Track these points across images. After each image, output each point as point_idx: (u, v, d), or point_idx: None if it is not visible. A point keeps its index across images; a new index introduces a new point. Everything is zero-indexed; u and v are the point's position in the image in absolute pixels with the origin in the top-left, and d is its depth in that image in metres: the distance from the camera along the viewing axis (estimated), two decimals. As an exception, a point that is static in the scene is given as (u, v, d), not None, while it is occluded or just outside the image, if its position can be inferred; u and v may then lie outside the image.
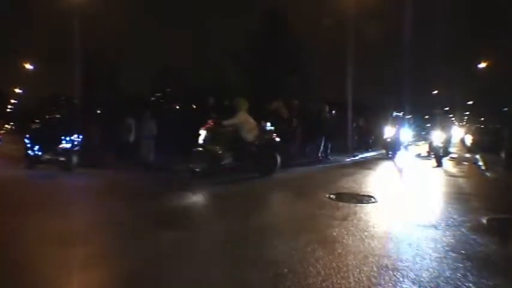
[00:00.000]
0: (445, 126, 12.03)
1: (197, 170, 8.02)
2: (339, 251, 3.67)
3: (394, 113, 15.14)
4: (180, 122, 12.11)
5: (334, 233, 4.25)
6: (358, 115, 17.10)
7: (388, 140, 13.98)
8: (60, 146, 8.99)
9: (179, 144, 10.42)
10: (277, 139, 8.68)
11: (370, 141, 17.61)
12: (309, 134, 12.11)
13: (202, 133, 8.40)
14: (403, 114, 16.86)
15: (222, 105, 11.42)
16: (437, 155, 11.26)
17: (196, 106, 14.71)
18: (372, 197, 6.34)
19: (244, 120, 8.22)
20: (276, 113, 11.12)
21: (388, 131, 14.05)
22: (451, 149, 17.18)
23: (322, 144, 11.94)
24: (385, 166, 11.54)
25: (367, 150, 16.14)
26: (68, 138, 9.07)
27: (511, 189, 7.62)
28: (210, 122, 8.40)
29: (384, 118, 15.30)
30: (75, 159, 9.08)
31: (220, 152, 8.00)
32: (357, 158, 13.53)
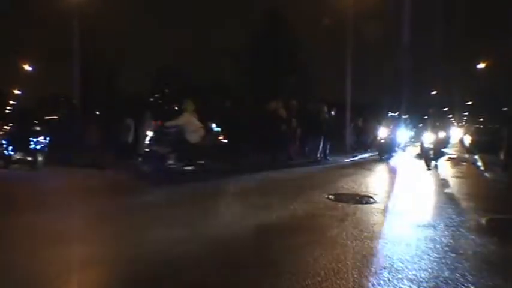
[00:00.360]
0: (439, 126, 11.40)
1: (145, 170, 8.09)
2: (338, 251, 3.67)
3: (389, 114, 14.83)
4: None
5: (333, 234, 4.26)
6: (357, 115, 17.10)
7: (382, 141, 13.40)
8: (30, 146, 9.49)
9: None
10: (224, 141, 8.60)
11: (369, 141, 17.59)
12: (307, 134, 12.11)
13: (149, 134, 8.51)
14: (399, 114, 16.57)
15: (223, 106, 11.47)
16: (427, 157, 10.65)
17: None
18: (370, 197, 6.35)
19: (187, 122, 8.19)
20: (274, 113, 11.14)
21: (382, 132, 13.54)
22: (447, 150, 17.04)
23: (321, 145, 11.94)
24: (383, 167, 11.54)
25: (366, 151, 16.14)
26: (35, 140, 9.54)
27: (509, 190, 7.63)
28: (157, 123, 8.54)
29: (382, 118, 15.27)
30: (40, 159, 9.57)
31: (165, 153, 7.99)
32: (355, 158, 13.52)
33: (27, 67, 26.79)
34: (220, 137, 8.65)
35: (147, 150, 8.37)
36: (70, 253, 3.63)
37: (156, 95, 37.89)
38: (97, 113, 17.80)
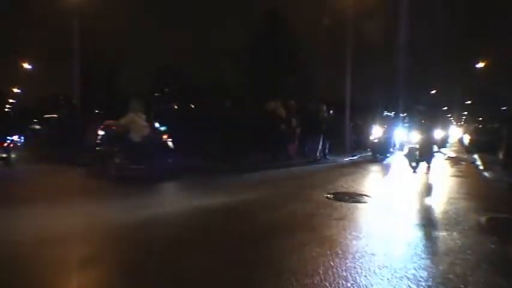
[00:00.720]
0: (429, 125, 10.26)
1: (96, 169, 8.41)
2: (337, 250, 3.69)
3: (385, 112, 14.27)
4: (179, 122, 12.12)
5: (332, 232, 4.27)
6: (356, 115, 17.07)
7: (376, 141, 12.85)
8: (5, 144, 9.89)
9: (178, 144, 10.47)
10: (169, 140, 8.66)
11: (363, 141, 17.43)
12: (307, 133, 12.12)
13: (100, 133, 8.88)
14: (396, 113, 15.90)
15: (222, 106, 11.47)
16: (410, 158, 9.73)
17: (194, 106, 14.72)
18: (369, 196, 6.36)
19: (131, 121, 8.31)
20: (273, 113, 11.19)
21: (376, 132, 13.02)
22: (445, 150, 16.79)
23: (321, 144, 11.96)
24: (382, 167, 11.54)
25: (365, 150, 16.13)
26: (10, 138, 9.97)
27: (509, 189, 7.64)
28: (106, 122, 8.89)
29: (378, 117, 15.12)
30: (14, 156, 9.98)
31: (112, 152, 8.20)
32: (355, 158, 13.53)
33: (27, 66, 26.80)
34: (165, 136, 8.73)
35: (97, 149, 8.68)
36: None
37: (156, 95, 37.84)
38: (96, 111, 17.81)
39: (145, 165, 8.09)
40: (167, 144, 8.57)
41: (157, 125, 9.01)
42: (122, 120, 8.34)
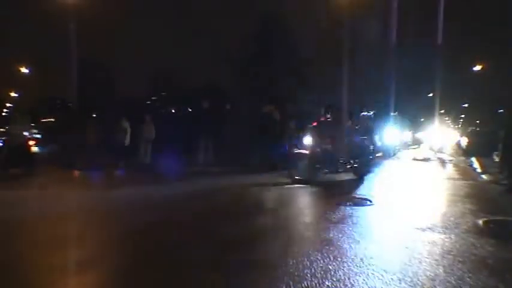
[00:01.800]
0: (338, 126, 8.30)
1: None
2: (335, 253, 3.66)
3: (362, 113, 12.19)
4: (177, 125, 12.17)
5: (330, 236, 4.25)
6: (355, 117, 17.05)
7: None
8: None
9: (177, 146, 10.54)
10: (33, 146, 10.41)
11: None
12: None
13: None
14: (375, 113, 13.77)
15: (218, 108, 11.51)
16: (311, 164, 7.93)
17: (191, 109, 14.74)
18: (368, 199, 6.34)
19: (12, 130, 10.10)
20: (269, 116, 11.24)
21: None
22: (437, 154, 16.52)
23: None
24: (380, 168, 11.54)
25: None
26: None
27: (506, 192, 7.64)
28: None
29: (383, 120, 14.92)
30: None
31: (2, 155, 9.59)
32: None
33: (24, 69, 26.82)
34: (30, 142, 10.33)
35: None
36: None
37: (153, 98, 37.88)
38: (94, 115, 17.83)
39: (19, 165, 9.51)
40: (30, 149, 10.27)
41: (26, 133, 10.57)
42: (7, 129, 10.14)
